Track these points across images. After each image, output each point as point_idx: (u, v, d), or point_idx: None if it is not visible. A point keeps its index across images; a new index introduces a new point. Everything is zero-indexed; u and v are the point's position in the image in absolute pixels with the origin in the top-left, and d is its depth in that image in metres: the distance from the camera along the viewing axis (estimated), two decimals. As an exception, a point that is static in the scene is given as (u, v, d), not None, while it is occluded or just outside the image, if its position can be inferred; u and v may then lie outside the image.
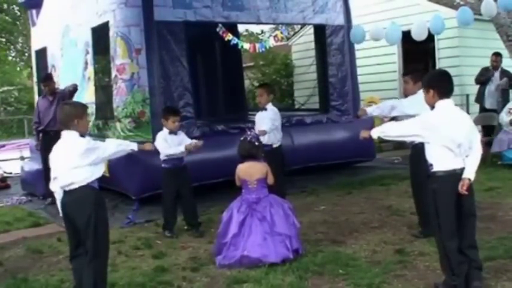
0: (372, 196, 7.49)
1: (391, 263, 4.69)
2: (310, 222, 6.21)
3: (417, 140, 4.10)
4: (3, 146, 13.34)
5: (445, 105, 3.93)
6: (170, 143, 5.99)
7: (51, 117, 8.13)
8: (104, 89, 9.08)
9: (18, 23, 27.15)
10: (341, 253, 5.05)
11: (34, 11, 11.94)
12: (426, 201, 5.19)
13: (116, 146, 4.30)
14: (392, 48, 11.98)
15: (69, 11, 9.83)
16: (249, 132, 5.66)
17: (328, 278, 4.46)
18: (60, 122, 4.12)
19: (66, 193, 3.96)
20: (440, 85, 3.98)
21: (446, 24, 9.49)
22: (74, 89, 8.54)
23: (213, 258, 5.02)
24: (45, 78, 8.79)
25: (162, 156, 6.05)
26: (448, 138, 3.83)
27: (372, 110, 5.90)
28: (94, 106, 9.12)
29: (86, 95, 9.40)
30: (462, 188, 3.80)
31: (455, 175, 3.84)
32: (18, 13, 26.99)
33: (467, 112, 11.33)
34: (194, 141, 6.11)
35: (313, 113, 10.11)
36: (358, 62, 10.61)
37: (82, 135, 4.01)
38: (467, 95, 11.52)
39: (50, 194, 8.07)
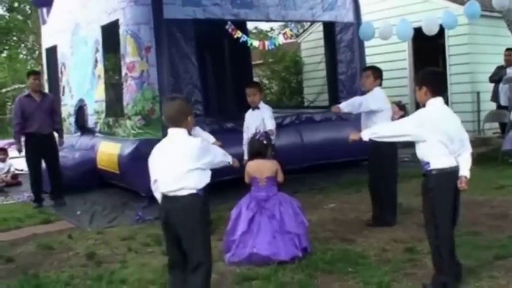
0: (381, 194, 7.45)
1: (400, 261, 4.68)
2: (319, 220, 6.21)
3: (411, 139, 4.09)
4: (14, 143, 13.38)
5: (437, 102, 3.99)
6: None
7: (42, 119, 7.81)
8: (113, 87, 9.12)
9: (29, 21, 27.26)
10: (350, 251, 5.04)
11: (45, 9, 12.02)
12: (389, 192, 5.86)
13: (222, 155, 3.85)
14: (402, 45, 11.92)
15: (79, 9, 9.88)
16: (258, 130, 5.67)
17: (337, 276, 4.45)
18: (168, 118, 3.64)
19: (171, 199, 3.54)
20: (434, 83, 4.04)
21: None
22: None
23: (223, 255, 5.03)
24: (37, 72, 8.47)
25: None
26: (444, 133, 3.89)
27: (344, 106, 6.16)
28: (104, 104, 9.17)
29: (96, 93, 9.45)
30: (461, 184, 3.92)
31: (452, 172, 3.93)
32: (29, 11, 27.11)
33: (478, 109, 11.30)
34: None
35: (323, 111, 10.08)
36: (368, 59, 10.56)
37: (189, 133, 3.67)
38: (478, 93, 11.45)
39: (38, 198, 8.05)
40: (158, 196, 3.69)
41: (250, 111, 6.59)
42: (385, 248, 5.09)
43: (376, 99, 5.92)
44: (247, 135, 6.39)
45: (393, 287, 4.16)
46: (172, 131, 3.61)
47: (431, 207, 3.97)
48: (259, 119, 6.40)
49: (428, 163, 3.95)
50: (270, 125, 6.28)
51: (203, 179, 3.56)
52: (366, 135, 4.34)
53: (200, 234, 3.53)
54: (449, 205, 3.94)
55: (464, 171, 3.96)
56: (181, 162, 3.48)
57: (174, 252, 3.63)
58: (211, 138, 6.02)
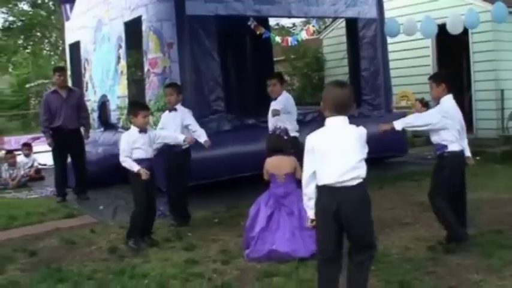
0: (403, 191, 7.40)
1: (423, 259, 4.65)
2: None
3: (435, 128, 4.86)
4: (38, 138, 13.56)
5: (452, 97, 4.92)
6: (140, 144, 5.52)
7: (67, 114, 7.89)
8: (136, 83, 9.20)
9: (52, 17, 27.53)
10: (372, 249, 5.00)
11: (68, 6, 12.13)
12: None
13: None
14: (426, 41, 11.78)
15: (102, 6, 9.96)
16: (278, 126, 5.65)
17: (358, 274, 4.42)
18: (339, 105, 3.44)
19: (341, 190, 3.35)
20: (451, 82, 4.92)
21: (480, 17, 9.31)
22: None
23: (242, 251, 5.04)
24: (61, 68, 8.55)
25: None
26: (459, 123, 4.91)
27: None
28: (127, 99, 9.23)
29: (119, 89, 9.53)
30: (470, 162, 5.06)
31: (462, 154, 4.94)
32: (53, 7, 27.39)
33: (502, 107, 11.12)
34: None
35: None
36: (391, 56, 10.47)
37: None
38: (502, 90, 11.27)
39: (63, 193, 8.11)
40: (310, 190, 3.48)
41: (167, 112, 6.34)
42: (407, 247, 5.05)
43: (288, 102, 6.63)
44: None
45: (415, 286, 4.13)
46: (337, 120, 3.45)
47: (444, 181, 4.86)
48: (177, 122, 6.16)
49: (445, 146, 4.87)
50: (204, 135, 6.10)
51: (366, 168, 3.47)
52: (399, 125, 4.95)
53: (371, 219, 3.48)
54: (458, 177, 4.95)
55: (469, 152, 5.05)
56: (354, 151, 3.41)
57: (331, 246, 3.43)
58: (181, 136, 5.93)
